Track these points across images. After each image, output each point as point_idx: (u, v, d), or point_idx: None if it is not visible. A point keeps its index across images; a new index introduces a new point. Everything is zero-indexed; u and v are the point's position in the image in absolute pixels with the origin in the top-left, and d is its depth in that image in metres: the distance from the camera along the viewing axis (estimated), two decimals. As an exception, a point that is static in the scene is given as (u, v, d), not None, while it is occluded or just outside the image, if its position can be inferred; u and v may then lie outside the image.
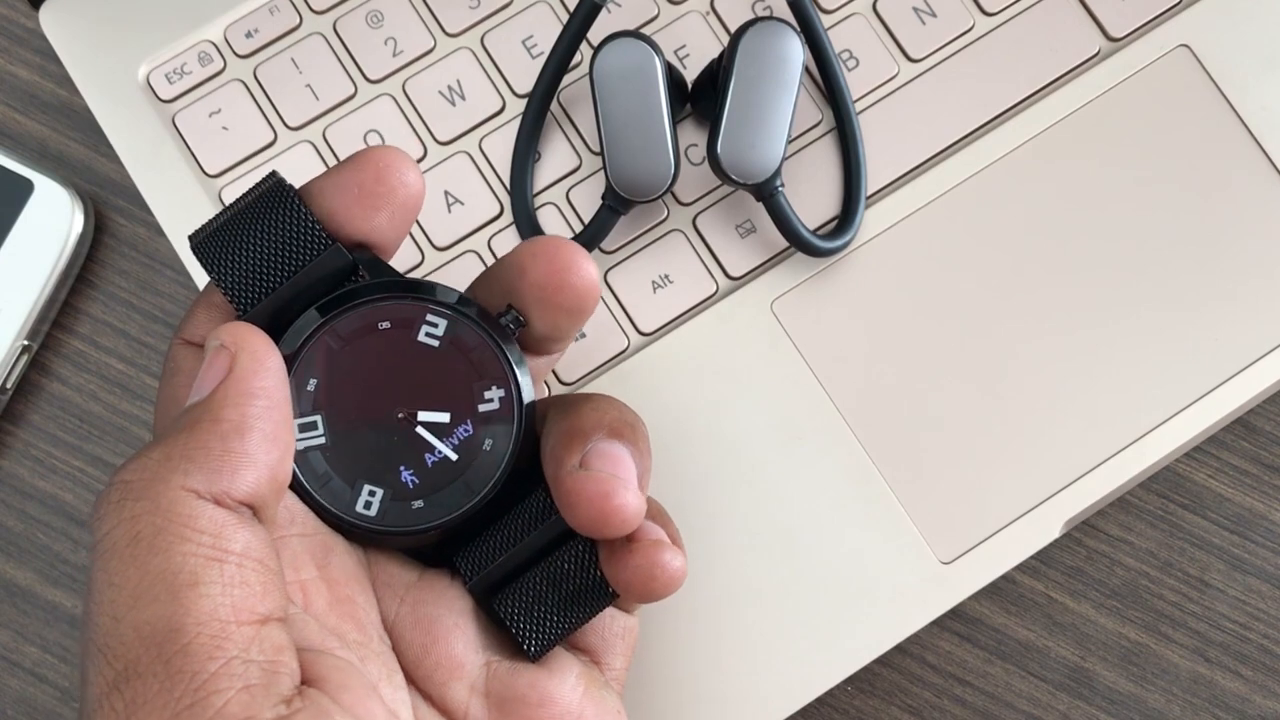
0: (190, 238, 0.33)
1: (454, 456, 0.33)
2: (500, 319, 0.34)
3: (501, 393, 0.34)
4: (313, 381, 0.33)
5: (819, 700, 0.42)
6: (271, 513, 0.31)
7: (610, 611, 0.35)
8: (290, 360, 0.33)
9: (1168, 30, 0.45)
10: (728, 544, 0.41)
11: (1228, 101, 0.44)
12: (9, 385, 0.44)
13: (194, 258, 0.33)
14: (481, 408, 0.33)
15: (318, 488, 0.33)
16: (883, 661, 0.43)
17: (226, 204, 0.34)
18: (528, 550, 0.34)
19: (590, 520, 0.32)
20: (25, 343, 0.44)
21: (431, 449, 0.33)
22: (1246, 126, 0.44)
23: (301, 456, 0.33)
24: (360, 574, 0.33)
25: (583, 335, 0.42)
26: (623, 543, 0.33)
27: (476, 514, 0.33)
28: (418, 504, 0.33)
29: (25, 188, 0.44)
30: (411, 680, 0.33)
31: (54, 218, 0.44)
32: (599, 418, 0.33)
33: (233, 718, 0.27)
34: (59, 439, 0.45)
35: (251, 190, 0.34)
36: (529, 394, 0.34)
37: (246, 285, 0.33)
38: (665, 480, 0.41)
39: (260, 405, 0.31)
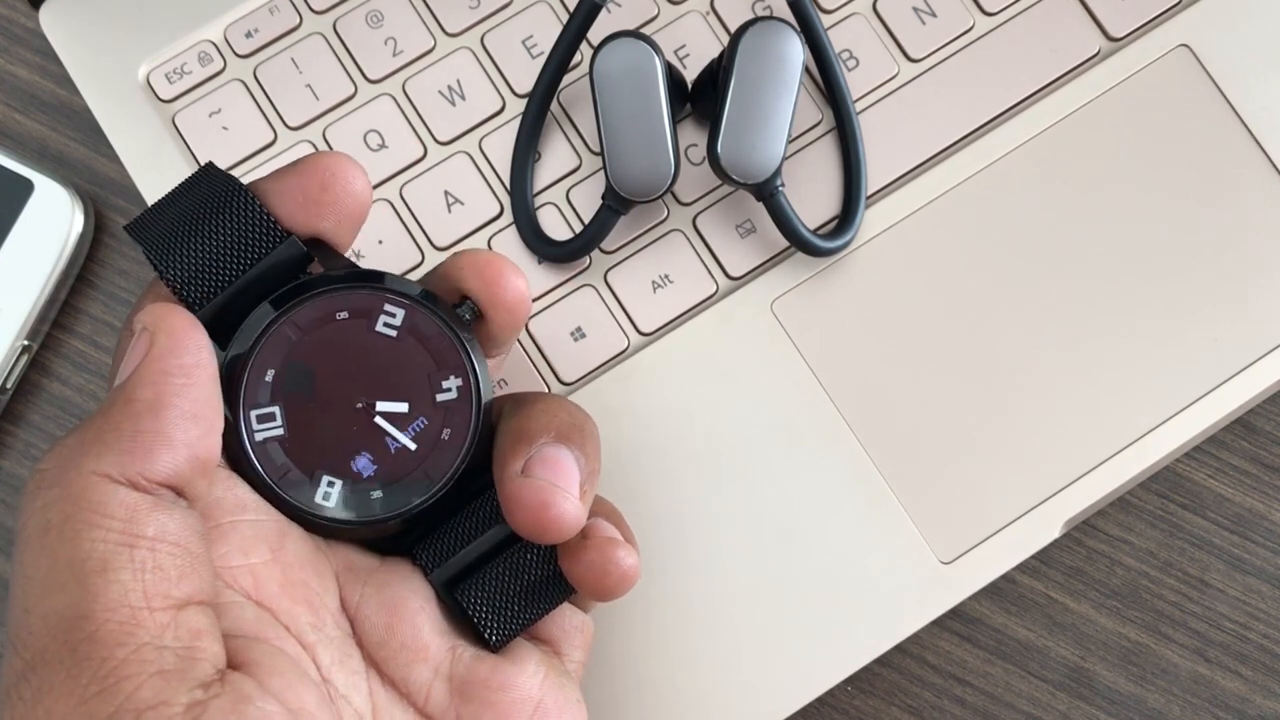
0: (131, 230, 0.33)
1: (413, 446, 0.33)
2: (456, 309, 0.34)
3: (460, 382, 0.34)
4: (270, 373, 0.33)
5: (819, 700, 0.42)
6: (198, 492, 0.30)
7: (566, 606, 0.35)
8: (248, 352, 0.33)
9: (1168, 30, 0.45)
10: (727, 544, 0.41)
11: (1228, 101, 0.44)
12: (9, 385, 0.44)
13: (145, 256, 0.32)
14: (440, 397, 0.33)
15: (276, 479, 0.33)
16: (883, 661, 0.43)
17: (164, 194, 0.33)
18: (489, 542, 0.34)
19: (529, 527, 0.32)
20: (25, 343, 0.44)
21: (390, 439, 0.33)
22: (1247, 127, 0.44)
23: (260, 448, 0.33)
24: (317, 558, 0.33)
25: (583, 335, 0.42)
26: (577, 539, 0.33)
27: (436, 504, 0.33)
28: (376, 494, 0.33)
29: (25, 188, 0.44)
30: (373, 662, 0.33)
31: (54, 218, 0.44)
32: (548, 420, 0.33)
33: (143, 704, 0.27)
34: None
35: (194, 184, 0.33)
36: (486, 382, 0.34)
37: (201, 284, 0.32)
38: (665, 480, 0.41)
39: (177, 383, 0.30)
